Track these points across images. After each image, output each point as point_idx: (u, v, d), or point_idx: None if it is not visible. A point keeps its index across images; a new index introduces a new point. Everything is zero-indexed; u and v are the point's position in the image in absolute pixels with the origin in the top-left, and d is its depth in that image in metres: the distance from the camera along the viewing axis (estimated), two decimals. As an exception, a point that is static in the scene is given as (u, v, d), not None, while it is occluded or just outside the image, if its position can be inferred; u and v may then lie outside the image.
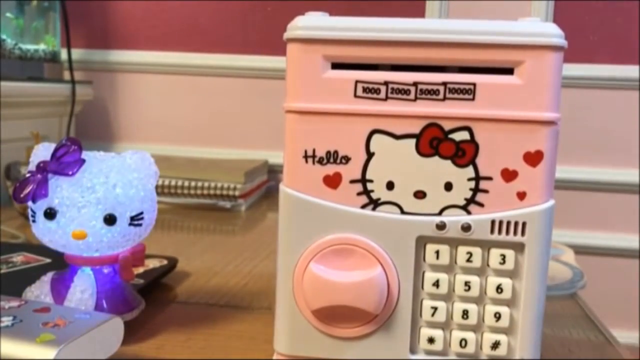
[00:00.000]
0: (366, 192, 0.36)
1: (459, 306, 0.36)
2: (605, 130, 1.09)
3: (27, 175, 0.42)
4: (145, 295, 0.50)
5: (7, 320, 0.37)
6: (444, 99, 0.35)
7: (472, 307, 0.36)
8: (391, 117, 0.35)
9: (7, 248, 0.62)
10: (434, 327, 0.37)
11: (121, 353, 0.40)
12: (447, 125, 0.35)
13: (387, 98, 0.35)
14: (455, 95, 0.35)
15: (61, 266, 0.46)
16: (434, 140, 0.35)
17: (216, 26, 1.16)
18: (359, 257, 0.36)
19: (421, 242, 0.36)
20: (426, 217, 0.36)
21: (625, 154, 1.08)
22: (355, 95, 0.36)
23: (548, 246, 0.36)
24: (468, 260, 0.36)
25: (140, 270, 0.54)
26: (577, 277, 0.61)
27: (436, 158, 0.36)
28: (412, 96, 0.35)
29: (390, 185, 0.36)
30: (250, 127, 1.16)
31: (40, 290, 0.44)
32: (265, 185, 1.09)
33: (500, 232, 0.36)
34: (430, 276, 0.36)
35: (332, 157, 0.36)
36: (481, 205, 0.36)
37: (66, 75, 1.09)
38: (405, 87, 0.35)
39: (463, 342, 0.36)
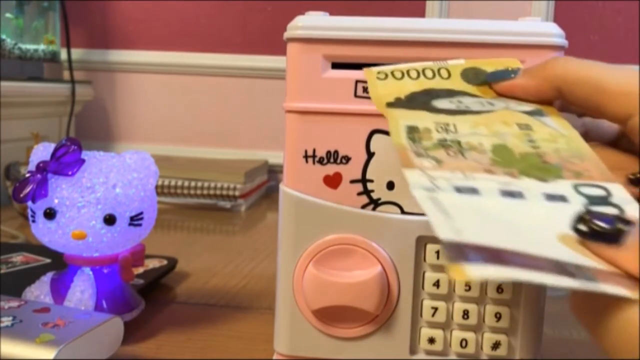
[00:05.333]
0: (366, 192, 0.36)
1: (459, 306, 0.36)
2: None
3: (27, 175, 0.42)
4: (145, 295, 0.50)
5: (7, 320, 0.37)
6: (444, 98, 0.35)
7: (472, 307, 0.36)
8: (391, 117, 0.35)
9: (7, 248, 0.62)
10: (434, 327, 0.37)
11: (121, 353, 0.40)
12: (447, 125, 0.35)
13: (387, 98, 0.35)
14: (456, 95, 0.35)
15: (61, 266, 0.46)
16: (434, 140, 0.35)
17: (216, 26, 1.16)
18: (359, 257, 0.36)
19: (421, 242, 0.36)
20: (426, 217, 0.36)
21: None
22: (356, 95, 0.35)
23: (548, 246, 0.36)
24: (468, 260, 0.36)
25: (140, 270, 0.54)
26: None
27: (436, 158, 0.35)
28: (412, 96, 0.35)
29: (390, 185, 0.36)
30: (250, 127, 1.16)
31: (40, 291, 0.44)
32: (265, 185, 1.09)
33: (500, 232, 0.35)
34: (430, 276, 0.36)
35: (332, 157, 0.36)
36: (481, 205, 0.36)
37: (66, 75, 1.09)
38: (406, 87, 0.35)
39: (463, 342, 0.36)
